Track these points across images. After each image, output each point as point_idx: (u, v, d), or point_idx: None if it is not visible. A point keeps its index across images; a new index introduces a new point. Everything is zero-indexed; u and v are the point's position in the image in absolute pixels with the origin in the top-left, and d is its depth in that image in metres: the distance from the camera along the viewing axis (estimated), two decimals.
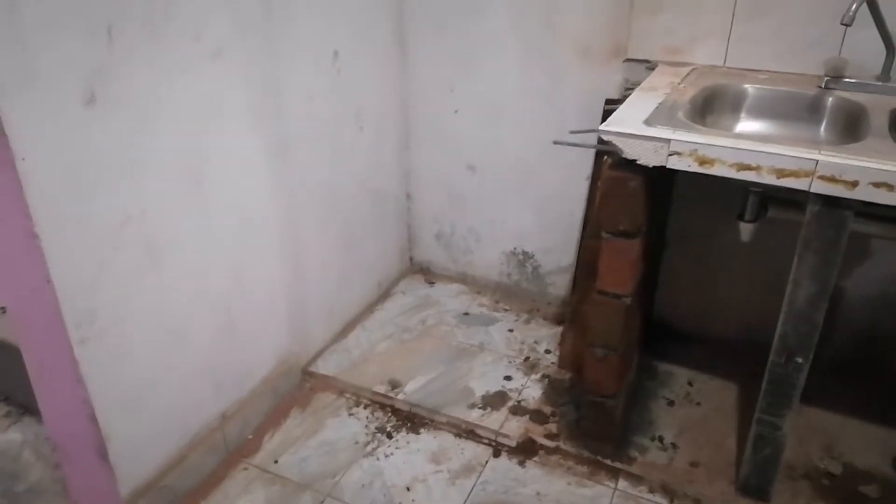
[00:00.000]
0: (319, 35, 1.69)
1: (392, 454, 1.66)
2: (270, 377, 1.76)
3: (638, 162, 1.25)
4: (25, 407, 1.78)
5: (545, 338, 2.07)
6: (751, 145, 1.16)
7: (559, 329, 2.08)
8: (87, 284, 1.21)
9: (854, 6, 1.25)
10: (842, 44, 1.49)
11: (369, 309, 2.20)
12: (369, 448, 1.67)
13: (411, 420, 1.77)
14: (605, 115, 1.65)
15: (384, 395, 1.82)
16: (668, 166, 1.23)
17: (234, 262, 1.55)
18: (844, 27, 1.26)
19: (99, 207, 1.20)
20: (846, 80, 1.47)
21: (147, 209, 1.29)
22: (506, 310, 2.21)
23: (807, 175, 1.13)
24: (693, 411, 1.76)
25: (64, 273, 1.16)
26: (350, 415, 1.79)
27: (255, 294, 1.65)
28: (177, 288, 1.40)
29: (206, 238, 1.45)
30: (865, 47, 1.44)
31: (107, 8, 1.13)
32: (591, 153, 1.86)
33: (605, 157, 1.34)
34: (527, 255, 2.21)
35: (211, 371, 1.55)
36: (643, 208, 1.33)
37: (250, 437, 1.69)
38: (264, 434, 1.71)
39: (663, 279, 1.96)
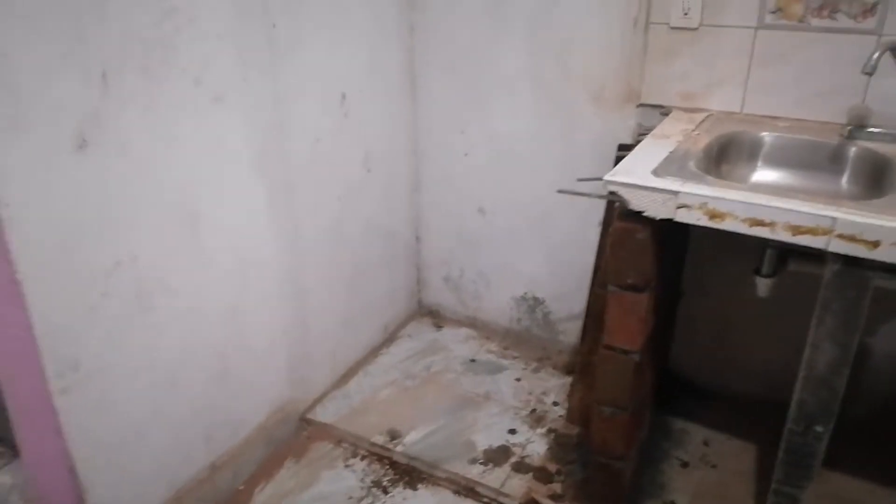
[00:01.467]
0: (327, 77, 1.67)
1: None
2: (266, 425, 1.71)
3: (645, 214, 1.19)
4: (17, 450, 1.74)
5: (554, 388, 1.98)
6: (764, 199, 1.09)
7: (569, 379, 1.99)
8: (72, 332, 1.17)
9: (876, 55, 1.19)
10: (866, 92, 1.43)
11: (374, 353, 2.14)
12: None
13: (409, 474, 1.69)
14: (618, 160, 1.60)
15: (382, 447, 1.75)
16: (676, 219, 1.16)
17: (231, 306, 1.51)
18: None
19: (87, 253, 1.17)
20: (870, 129, 1.40)
21: (139, 254, 1.26)
22: (514, 357, 2.14)
23: (825, 233, 1.05)
24: (708, 474, 1.66)
25: (47, 321, 1.12)
26: (346, 466, 1.72)
27: (253, 339, 1.60)
28: (167, 335, 1.36)
29: (200, 283, 1.42)
30: (891, 96, 1.38)
31: (102, 53, 1.12)
32: None
33: (616, 203, 1.28)
34: (537, 301, 2.14)
35: (202, 420, 1.50)
36: (652, 261, 1.27)
37: (241, 488, 1.63)
38: (256, 486, 1.64)
39: (679, 330, 1.87)
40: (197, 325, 1.44)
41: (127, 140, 1.20)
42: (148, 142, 1.24)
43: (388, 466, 1.71)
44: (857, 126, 1.40)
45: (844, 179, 1.38)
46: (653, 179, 1.19)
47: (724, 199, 1.11)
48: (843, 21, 1.41)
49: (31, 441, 1.25)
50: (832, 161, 1.40)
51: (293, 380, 1.79)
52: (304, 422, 1.85)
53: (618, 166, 1.27)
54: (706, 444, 1.75)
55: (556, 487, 1.62)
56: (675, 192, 1.14)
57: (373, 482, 1.66)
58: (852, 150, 1.38)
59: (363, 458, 1.75)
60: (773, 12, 1.47)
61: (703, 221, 1.14)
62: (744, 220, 1.11)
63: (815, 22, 1.43)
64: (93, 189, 1.16)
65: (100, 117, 1.14)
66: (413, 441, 1.76)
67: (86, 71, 1.10)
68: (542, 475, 1.65)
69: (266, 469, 1.70)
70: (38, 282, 1.10)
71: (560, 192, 1.37)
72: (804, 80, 1.49)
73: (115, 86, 1.15)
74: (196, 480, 1.51)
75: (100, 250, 1.20)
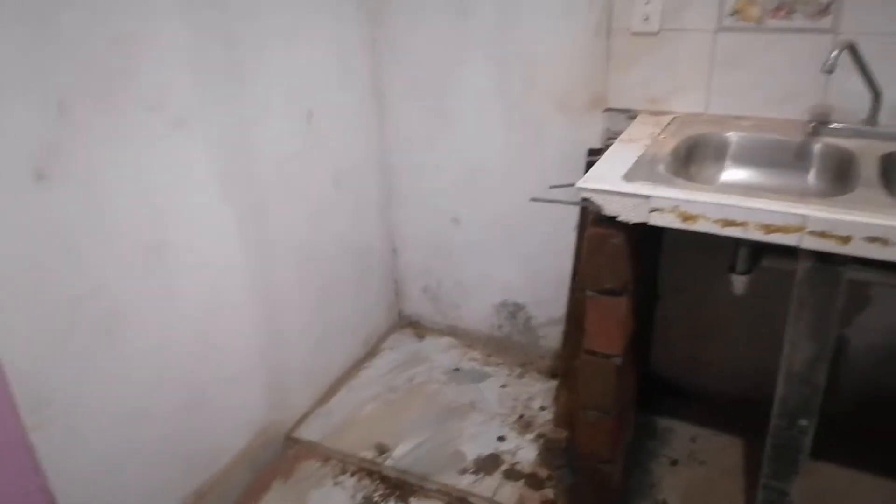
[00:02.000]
0: (292, 96, 1.66)
1: None
2: (249, 449, 1.68)
3: (619, 218, 1.20)
4: None
5: (539, 393, 1.99)
6: (736, 200, 1.11)
7: (554, 383, 2.00)
8: (41, 367, 1.15)
9: (834, 53, 1.21)
10: (826, 89, 1.45)
11: (356, 367, 2.12)
12: None
13: (400, 488, 1.68)
14: (588, 165, 1.61)
15: (371, 462, 1.74)
16: (649, 223, 1.17)
17: (202, 332, 1.49)
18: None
19: (52, 286, 1.15)
20: (833, 125, 1.42)
21: (104, 284, 1.24)
22: (498, 364, 2.14)
23: (796, 230, 1.07)
24: (697, 471, 1.67)
25: (14, 357, 1.10)
26: (336, 484, 1.70)
27: (227, 365, 1.58)
28: (138, 364, 1.33)
29: (169, 310, 1.39)
30: (851, 92, 1.40)
31: (57, 81, 1.09)
32: None
33: (590, 209, 1.29)
34: (518, 307, 2.14)
35: (179, 449, 1.47)
36: (628, 265, 1.27)
37: None
38: None
39: (658, 332, 1.88)
40: (168, 353, 1.41)
41: (87, 169, 1.17)
42: (109, 171, 1.21)
43: (377, 481, 1.70)
44: (821, 123, 1.43)
45: (811, 175, 1.41)
46: (624, 184, 1.20)
47: (695, 201, 1.12)
48: (799, 21, 1.43)
49: (9, 479, 1.21)
50: (798, 158, 1.42)
51: (273, 401, 1.76)
52: (290, 441, 1.83)
53: (589, 172, 1.27)
54: (693, 440, 1.77)
55: (548, 493, 1.62)
56: (647, 196, 1.15)
57: (363, 498, 1.65)
58: (817, 147, 1.40)
59: (352, 474, 1.73)
60: (731, 15, 1.49)
61: (676, 224, 1.15)
62: (716, 221, 1.12)
63: (772, 23, 1.46)
64: (54, 221, 1.13)
65: (58, 147, 1.11)
66: (402, 454, 1.75)
67: (41, 100, 1.08)
68: (533, 481, 1.65)
69: (253, 492, 1.67)
70: (3, 318, 1.07)
71: (533, 200, 1.37)
72: (765, 80, 1.51)
73: (72, 114, 1.12)
74: None
75: (65, 283, 1.17)
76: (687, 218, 1.14)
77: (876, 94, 1.37)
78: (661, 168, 1.26)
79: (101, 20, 1.15)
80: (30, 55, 1.05)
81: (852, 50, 1.30)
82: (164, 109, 1.30)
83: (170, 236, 1.36)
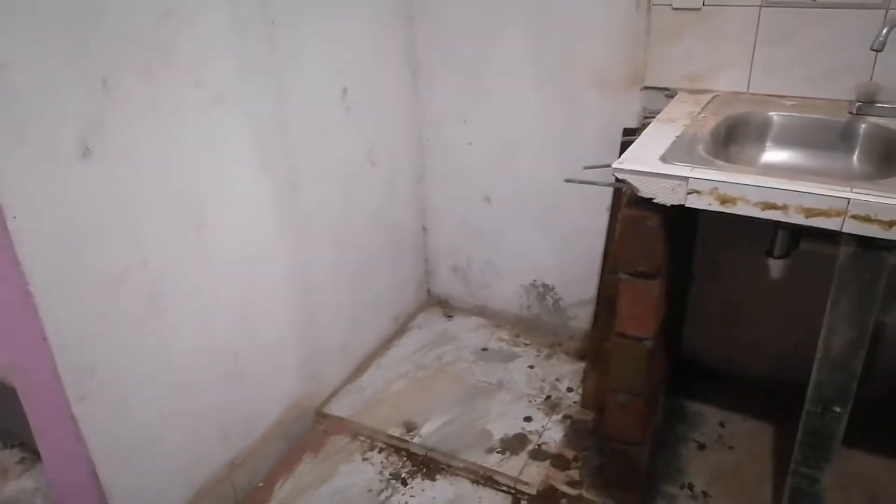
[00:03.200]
0: (327, 73, 1.66)
1: (407, 503, 1.59)
2: (282, 421, 1.72)
3: (655, 200, 1.18)
4: (39, 453, 1.76)
5: (567, 374, 1.99)
6: (776, 182, 1.08)
7: (582, 365, 2.00)
8: (86, 339, 1.18)
9: (885, 31, 1.17)
10: (873, 68, 1.40)
11: (385, 345, 2.15)
12: (383, 496, 1.61)
13: (427, 465, 1.70)
14: (623, 146, 1.58)
15: (399, 439, 1.76)
16: (686, 205, 1.15)
17: (241, 304, 1.52)
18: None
19: (97, 260, 1.17)
20: (880, 105, 1.38)
21: (147, 257, 1.26)
22: (526, 344, 2.14)
23: (838, 214, 1.04)
24: (725, 456, 1.66)
25: (60, 329, 1.13)
26: (364, 459, 1.73)
27: (264, 336, 1.61)
28: (180, 336, 1.37)
29: (210, 282, 1.42)
30: None
31: (102, 59, 1.11)
32: None
33: (625, 189, 1.27)
34: (547, 288, 2.14)
35: (218, 419, 1.51)
36: (663, 248, 1.26)
37: (261, 484, 1.64)
38: (275, 481, 1.66)
39: (691, 314, 1.86)
40: (208, 325, 1.44)
41: (130, 145, 1.19)
42: (151, 146, 1.23)
43: (405, 458, 1.72)
44: (867, 102, 1.39)
45: (855, 157, 1.37)
46: (661, 166, 1.18)
47: (735, 183, 1.10)
48: None
49: (52, 448, 1.26)
50: (842, 139, 1.38)
51: (306, 375, 1.79)
52: (320, 416, 1.86)
53: (625, 153, 1.25)
54: (722, 425, 1.75)
55: (574, 474, 1.62)
56: (685, 178, 1.13)
57: (391, 474, 1.67)
58: (862, 128, 1.36)
59: (380, 450, 1.76)
60: None
61: (715, 206, 1.13)
62: (756, 204, 1.10)
63: None
64: (99, 196, 1.15)
65: (102, 124, 1.13)
66: (429, 432, 1.77)
67: (86, 78, 1.09)
68: (559, 462, 1.66)
69: (285, 464, 1.71)
70: (49, 291, 1.10)
71: (567, 181, 1.36)
72: (811, 58, 1.46)
73: (116, 91, 1.14)
74: (215, 479, 1.52)
75: (109, 256, 1.20)
76: (726, 201, 1.12)
77: None
78: (700, 149, 1.24)
79: None
80: (74, 33, 1.06)
81: None
82: (205, 86, 1.31)
83: (210, 209, 1.38)
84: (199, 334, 1.42)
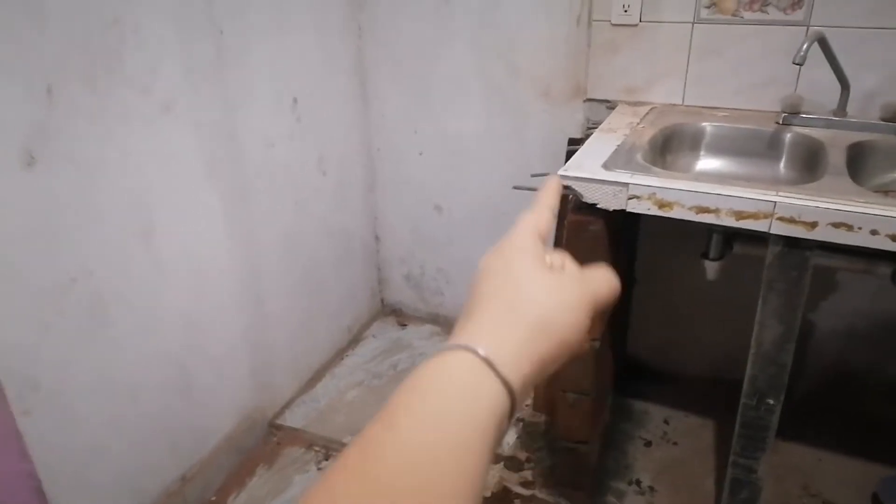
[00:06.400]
0: (277, 82, 1.67)
1: None
2: (234, 434, 1.70)
3: (598, 206, 1.24)
4: None
5: None
6: (709, 188, 1.15)
7: None
8: (29, 352, 1.15)
9: (805, 46, 1.26)
10: (797, 81, 1.50)
11: (339, 355, 2.15)
12: None
13: None
14: (568, 154, 1.64)
15: None
16: (627, 210, 1.21)
17: (190, 315, 1.50)
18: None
19: (40, 271, 1.15)
20: (803, 115, 1.47)
21: (93, 269, 1.24)
22: None
23: (766, 217, 1.11)
24: (670, 452, 1.73)
25: (2, 342, 1.10)
26: (319, 469, 1.73)
27: (213, 348, 1.59)
28: (127, 348, 1.34)
29: (157, 294, 1.40)
30: (820, 84, 1.46)
31: (46, 66, 1.10)
32: None
33: (570, 196, 1.32)
34: None
35: (167, 432, 1.48)
36: (607, 251, 1.31)
37: (213, 498, 1.62)
38: (228, 495, 1.63)
39: (634, 317, 1.93)
40: (156, 336, 1.42)
41: (76, 153, 1.18)
42: (98, 154, 1.22)
43: None
44: (791, 113, 1.48)
45: (782, 164, 1.46)
46: (604, 172, 1.23)
47: (671, 188, 1.16)
48: (773, 14, 1.48)
49: None
50: (770, 147, 1.47)
51: (258, 386, 1.78)
52: (273, 428, 1.85)
53: (570, 161, 1.31)
54: (666, 422, 1.82)
55: (527, 475, 1.66)
56: (626, 184, 1.19)
57: None
58: (787, 137, 1.45)
59: (335, 459, 1.75)
60: (708, 7, 1.53)
61: (654, 211, 1.19)
62: (691, 208, 1.16)
63: (747, 15, 1.50)
64: (43, 205, 1.13)
65: (47, 132, 1.12)
66: None
67: (30, 85, 1.08)
68: (512, 464, 1.69)
69: (237, 478, 1.69)
70: None
71: (515, 188, 1.40)
72: (740, 72, 1.56)
73: (61, 99, 1.13)
74: (166, 494, 1.49)
75: (53, 267, 1.17)
76: (663, 205, 1.18)
77: (844, 86, 1.43)
78: (639, 157, 1.30)
79: (89, 4, 1.15)
80: (17, 39, 1.05)
81: (822, 42, 1.35)
82: (152, 94, 1.30)
83: (157, 219, 1.37)
84: (146, 345, 1.40)
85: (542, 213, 0.47)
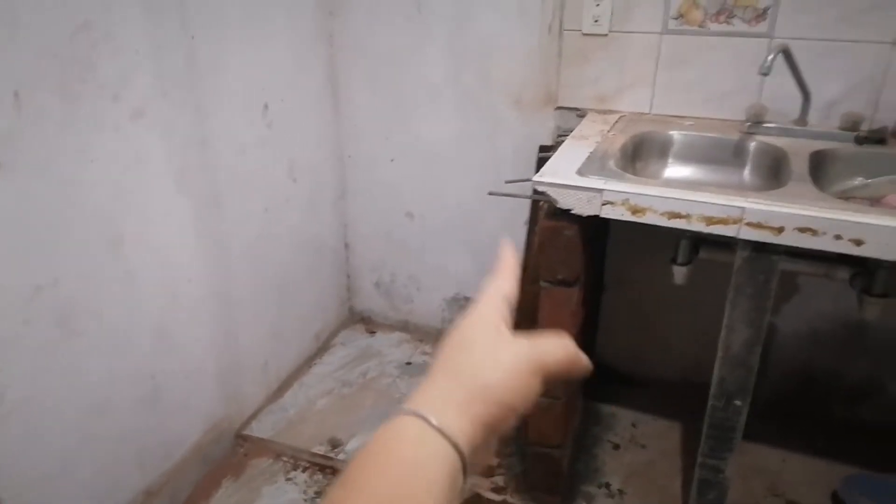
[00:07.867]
0: (248, 88, 1.65)
1: None
2: (200, 445, 1.66)
3: (572, 211, 1.25)
4: None
5: None
6: (680, 194, 1.17)
7: None
8: None
9: (771, 57, 1.30)
10: (761, 91, 1.55)
11: (307, 363, 2.12)
12: None
13: None
14: (539, 161, 1.66)
15: (324, 456, 1.74)
16: (601, 215, 1.23)
17: (158, 324, 1.46)
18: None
19: (5, 280, 1.11)
20: (767, 124, 1.52)
21: (60, 278, 1.20)
22: None
23: (735, 222, 1.14)
24: (639, 455, 1.75)
25: None
26: (288, 479, 1.70)
27: (182, 358, 1.55)
28: (94, 358, 1.30)
29: (126, 302, 1.36)
30: (784, 94, 1.50)
31: (13, 71, 1.06)
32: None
33: (542, 203, 1.34)
34: (469, 301, 2.18)
35: (134, 444, 1.44)
36: (580, 256, 1.33)
37: None
38: None
39: (603, 321, 1.96)
40: (124, 346, 1.38)
41: (44, 160, 1.14)
42: (67, 160, 1.18)
43: (330, 475, 1.70)
44: (756, 122, 1.53)
45: (746, 171, 1.50)
46: (579, 178, 1.25)
47: (644, 194, 1.19)
48: (738, 25, 1.53)
49: None
50: (735, 155, 1.51)
51: (226, 396, 1.75)
52: (241, 438, 1.81)
53: (544, 167, 1.32)
54: (634, 426, 1.85)
55: (499, 480, 1.66)
56: (600, 190, 1.21)
57: (316, 493, 1.65)
58: (752, 145, 1.50)
59: (304, 469, 1.73)
60: (676, 18, 1.57)
61: (627, 217, 1.21)
62: (663, 214, 1.18)
63: (713, 27, 1.55)
64: (9, 212, 1.10)
65: (14, 137, 1.08)
66: (355, 448, 1.76)
67: None
68: (483, 469, 1.69)
69: (203, 490, 1.65)
70: None
71: (491, 194, 1.41)
72: (707, 81, 1.60)
73: (29, 105, 1.09)
74: None
75: (19, 275, 1.13)
76: (636, 211, 1.20)
77: (806, 96, 1.48)
78: (611, 164, 1.32)
79: (59, 9, 1.12)
80: None
81: (786, 54, 1.40)
82: (123, 100, 1.27)
83: (126, 227, 1.34)
84: (114, 356, 1.36)
85: (507, 276, 0.50)
